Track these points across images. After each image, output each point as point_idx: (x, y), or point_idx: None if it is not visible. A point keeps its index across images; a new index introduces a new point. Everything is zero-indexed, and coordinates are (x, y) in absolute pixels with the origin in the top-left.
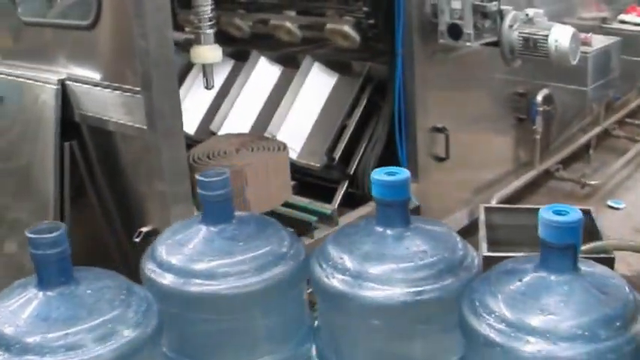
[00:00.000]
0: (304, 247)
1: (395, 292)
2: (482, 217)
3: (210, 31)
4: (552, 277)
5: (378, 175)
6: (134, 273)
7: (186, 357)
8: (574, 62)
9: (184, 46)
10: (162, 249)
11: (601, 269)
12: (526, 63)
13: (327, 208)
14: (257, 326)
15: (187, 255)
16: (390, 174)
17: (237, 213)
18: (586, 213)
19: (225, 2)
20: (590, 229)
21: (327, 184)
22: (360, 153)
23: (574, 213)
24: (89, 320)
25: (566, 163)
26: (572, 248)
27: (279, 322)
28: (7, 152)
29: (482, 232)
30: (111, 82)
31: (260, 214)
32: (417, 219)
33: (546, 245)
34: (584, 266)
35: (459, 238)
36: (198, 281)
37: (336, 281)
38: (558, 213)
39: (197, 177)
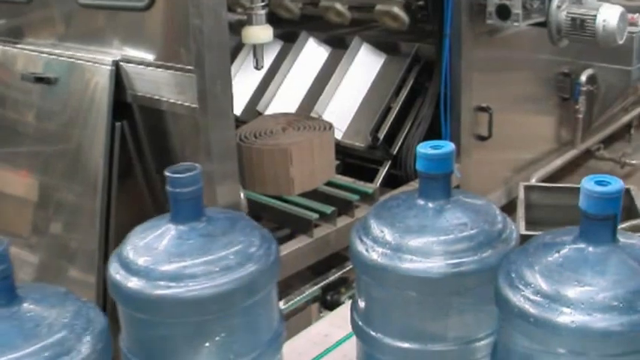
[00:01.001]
0: (276, 244)
1: (434, 265)
2: (521, 195)
3: (263, 12)
4: (591, 249)
5: (424, 148)
6: None
7: None
8: (621, 42)
9: (235, 28)
10: (128, 250)
11: None
12: (571, 43)
13: (370, 187)
14: (225, 328)
15: (154, 256)
16: (435, 147)
17: (208, 210)
18: (625, 192)
19: None
20: (629, 208)
21: (369, 165)
22: (404, 133)
23: (615, 183)
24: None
25: (607, 142)
26: (612, 219)
27: (248, 323)
28: (59, 133)
29: (520, 210)
30: (164, 61)
31: (231, 211)
32: (458, 192)
33: (586, 216)
34: (623, 238)
35: (498, 212)
36: (163, 283)
37: (375, 254)
38: (600, 183)
39: (166, 173)
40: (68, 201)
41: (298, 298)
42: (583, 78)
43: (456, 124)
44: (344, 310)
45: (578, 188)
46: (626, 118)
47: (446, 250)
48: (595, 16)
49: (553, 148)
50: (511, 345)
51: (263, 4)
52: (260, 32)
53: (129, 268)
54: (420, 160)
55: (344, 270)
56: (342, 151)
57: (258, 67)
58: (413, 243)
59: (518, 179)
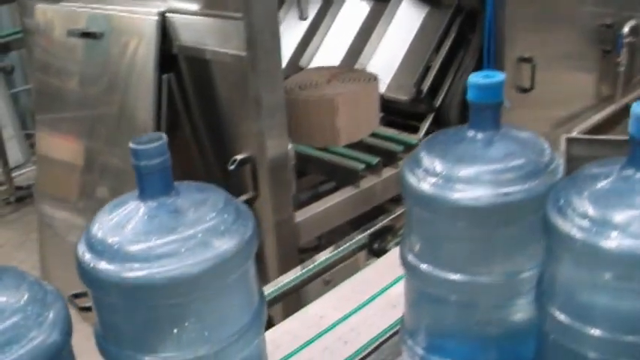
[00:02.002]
0: (252, 216)
1: (483, 194)
2: (562, 147)
3: None
4: (639, 175)
5: (475, 77)
6: None
7: (128, 349)
8: None
9: None
10: (95, 229)
11: None
12: None
13: (414, 138)
14: (197, 311)
15: (119, 236)
16: (486, 77)
17: (179, 184)
18: None
19: None
20: None
21: (411, 121)
22: (447, 85)
23: None
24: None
25: None
26: None
27: (223, 305)
28: (106, 92)
29: (562, 162)
30: (210, 9)
31: (204, 184)
32: (507, 124)
33: (636, 141)
34: None
35: (546, 144)
36: (128, 265)
37: (426, 185)
38: None
39: (130, 145)
40: (114, 163)
41: (346, 245)
42: (626, 29)
43: None
44: (390, 258)
45: (621, 140)
46: None
47: (495, 180)
48: None
49: (593, 102)
50: (557, 274)
51: None
52: None
53: (94, 248)
54: (472, 90)
55: (390, 217)
56: (385, 105)
57: (303, 18)
58: (463, 172)
59: (558, 133)
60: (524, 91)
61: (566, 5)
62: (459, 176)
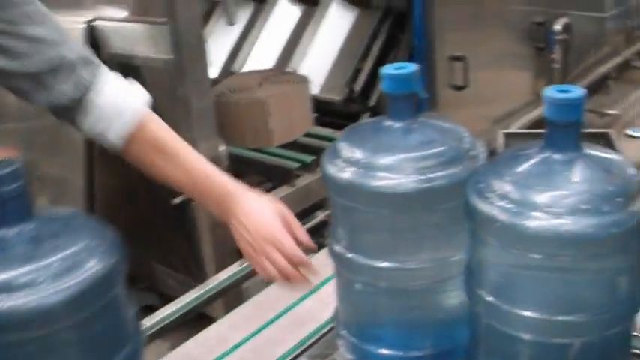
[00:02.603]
0: (120, 244)
1: (405, 180)
2: (500, 142)
3: None
4: (556, 156)
5: (388, 69)
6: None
7: None
8: None
9: None
10: None
11: (605, 150)
12: None
13: None
14: (56, 345)
15: None
16: (399, 68)
17: (40, 208)
18: (604, 135)
19: None
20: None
21: (347, 121)
22: (380, 85)
23: (577, 90)
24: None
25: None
26: (575, 125)
27: (86, 340)
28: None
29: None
30: (137, 15)
31: (67, 209)
32: (425, 114)
33: (550, 124)
34: (588, 147)
35: (465, 130)
36: None
37: (347, 174)
38: (562, 91)
39: None
40: (52, 175)
41: None
42: (557, 27)
43: (431, 74)
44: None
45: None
46: (602, 70)
47: (416, 167)
48: None
49: (530, 99)
50: (483, 257)
51: None
52: None
53: None
54: (385, 81)
55: (326, 213)
56: (319, 106)
57: (231, 23)
58: (383, 161)
59: (497, 129)
60: (459, 88)
61: (497, 4)
62: (379, 164)
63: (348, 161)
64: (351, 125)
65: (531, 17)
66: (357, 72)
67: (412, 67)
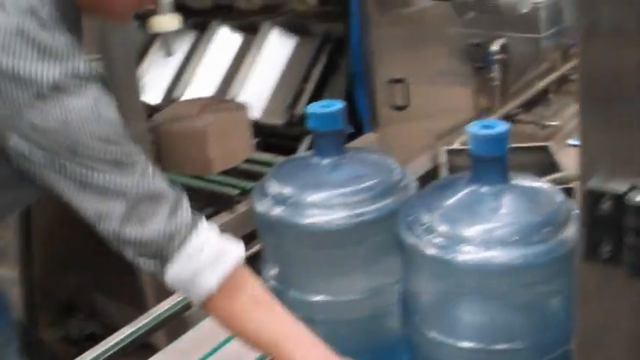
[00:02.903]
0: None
1: (335, 217)
2: (443, 159)
3: (168, 1)
4: (484, 189)
5: (313, 107)
6: None
7: None
8: (523, 11)
9: (144, 19)
10: None
11: (532, 180)
12: (481, 15)
13: None
14: None
15: None
16: (324, 106)
17: None
18: (545, 149)
19: None
20: (550, 164)
21: (291, 142)
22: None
23: (500, 125)
24: None
25: (526, 107)
26: (501, 159)
27: None
28: None
29: (443, 174)
30: None
31: None
32: (352, 149)
33: (476, 158)
34: (515, 178)
35: (394, 162)
36: None
37: (276, 212)
38: (486, 127)
39: None
40: None
41: None
42: (495, 47)
43: (371, 96)
44: None
45: None
46: (542, 84)
47: (345, 202)
48: None
49: (472, 115)
50: (416, 289)
51: None
52: (168, 20)
53: None
54: (311, 119)
55: None
56: (261, 130)
57: (168, 55)
58: (312, 197)
59: (441, 145)
60: (400, 109)
61: (434, 27)
62: (308, 201)
63: (277, 199)
64: (278, 162)
65: (469, 39)
66: (297, 96)
67: (338, 105)
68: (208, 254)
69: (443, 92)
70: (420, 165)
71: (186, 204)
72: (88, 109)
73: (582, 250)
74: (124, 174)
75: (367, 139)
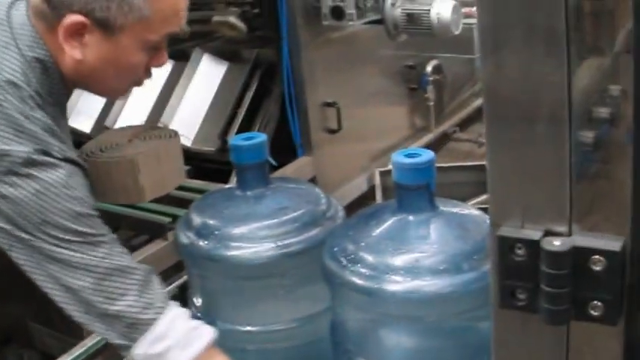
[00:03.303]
0: None
1: (260, 249)
2: (377, 180)
3: None
4: (410, 217)
5: (236, 141)
6: None
7: None
8: (456, 32)
9: None
10: None
11: (461, 207)
12: (414, 37)
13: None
14: None
15: None
16: (247, 139)
17: None
18: (481, 168)
19: None
20: (485, 183)
21: (224, 167)
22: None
23: (425, 155)
24: None
25: (463, 125)
26: (426, 188)
27: None
28: None
29: (378, 195)
30: None
31: None
32: (277, 179)
33: (401, 187)
34: (443, 205)
35: (321, 192)
36: None
37: (201, 246)
38: (410, 156)
39: None
40: None
41: None
42: (429, 69)
43: (304, 120)
44: None
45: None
46: (477, 102)
47: (271, 234)
48: (429, 10)
49: (408, 134)
50: (345, 317)
51: None
52: None
53: None
54: (234, 152)
55: None
56: (194, 157)
57: None
58: (237, 230)
59: (377, 166)
60: (333, 132)
61: (367, 50)
62: (233, 234)
63: (202, 232)
64: (202, 196)
65: (402, 61)
66: (229, 123)
67: (260, 138)
68: (180, 333)
69: (378, 113)
70: (356, 187)
71: (156, 279)
72: (59, 185)
73: (497, 298)
74: (92, 249)
75: (301, 163)
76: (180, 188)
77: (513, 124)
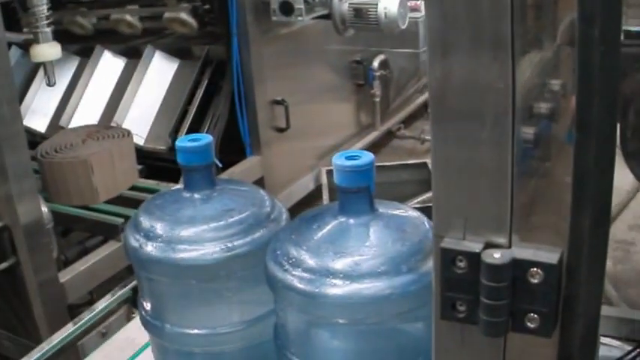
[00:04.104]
0: None
1: (207, 251)
2: (324, 180)
3: (48, 30)
4: (351, 220)
5: (181, 142)
6: None
7: None
8: (403, 27)
9: (26, 47)
10: None
11: (400, 208)
12: (361, 32)
13: (173, 187)
14: None
15: None
16: (193, 140)
17: None
18: (424, 166)
19: (69, 2)
20: (428, 180)
21: (175, 167)
22: (205, 131)
23: (365, 157)
24: None
25: (407, 122)
26: (366, 190)
27: None
28: None
29: (325, 194)
30: None
31: None
32: (223, 180)
33: (342, 190)
34: (383, 207)
35: (265, 194)
36: None
37: (149, 249)
38: (350, 158)
39: None
40: None
41: (109, 301)
42: (375, 64)
43: (252, 118)
44: None
45: (381, 166)
46: (421, 99)
47: (216, 236)
48: (376, 4)
49: (354, 132)
50: (287, 320)
51: (48, 22)
52: (47, 50)
53: None
54: (179, 154)
55: None
56: (146, 155)
57: (50, 84)
58: (184, 233)
59: (323, 164)
60: (281, 130)
61: (314, 47)
62: (180, 237)
63: (149, 234)
64: (149, 198)
65: (350, 56)
66: (180, 121)
67: (206, 139)
68: None
69: (325, 111)
70: (304, 186)
71: None
72: None
73: (438, 310)
74: None
75: (250, 163)
76: (133, 188)
77: (458, 128)
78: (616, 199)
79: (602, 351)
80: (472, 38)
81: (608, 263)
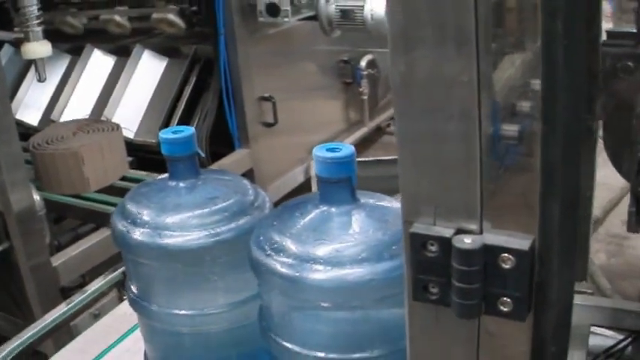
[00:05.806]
0: None
1: (192, 237)
2: (313, 172)
3: (38, 29)
4: (333, 209)
5: (165, 134)
6: None
7: None
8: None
9: (18, 45)
10: None
11: (382, 199)
12: (349, 32)
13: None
14: None
15: None
16: (175, 132)
17: None
18: None
19: (61, 3)
20: None
21: (164, 162)
22: (194, 126)
23: (346, 149)
24: None
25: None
26: (347, 181)
27: None
28: None
29: (314, 186)
30: None
31: None
32: (207, 171)
33: (323, 181)
34: (364, 198)
35: (248, 183)
36: None
37: (136, 234)
38: (331, 150)
39: None
40: None
41: (101, 284)
42: (363, 63)
43: (240, 114)
44: None
45: (369, 161)
46: None
47: (201, 223)
48: (363, 6)
49: (343, 127)
50: (271, 304)
51: (38, 21)
52: (37, 48)
53: None
54: (164, 145)
55: None
56: (137, 148)
57: (40, 80)
58: (170, 219)
59: (311, 158)
60: (269, 125)
61: (301, 46)
62: (166, 223)
63: (136, 222)
64: (135, 186)
65: (337, 56)
66: (169, 116)
67: (188, 131)
68: None
69: (313, 107)
70: (293, 178)
71: None
72: None
73: (410, 291)
74: None
75: (238, 155)
76: (124, 179)
77: (424, 120)
78: (609, 195)
79: (597, 340)
80: (435, 32)
81: (603, 256)
